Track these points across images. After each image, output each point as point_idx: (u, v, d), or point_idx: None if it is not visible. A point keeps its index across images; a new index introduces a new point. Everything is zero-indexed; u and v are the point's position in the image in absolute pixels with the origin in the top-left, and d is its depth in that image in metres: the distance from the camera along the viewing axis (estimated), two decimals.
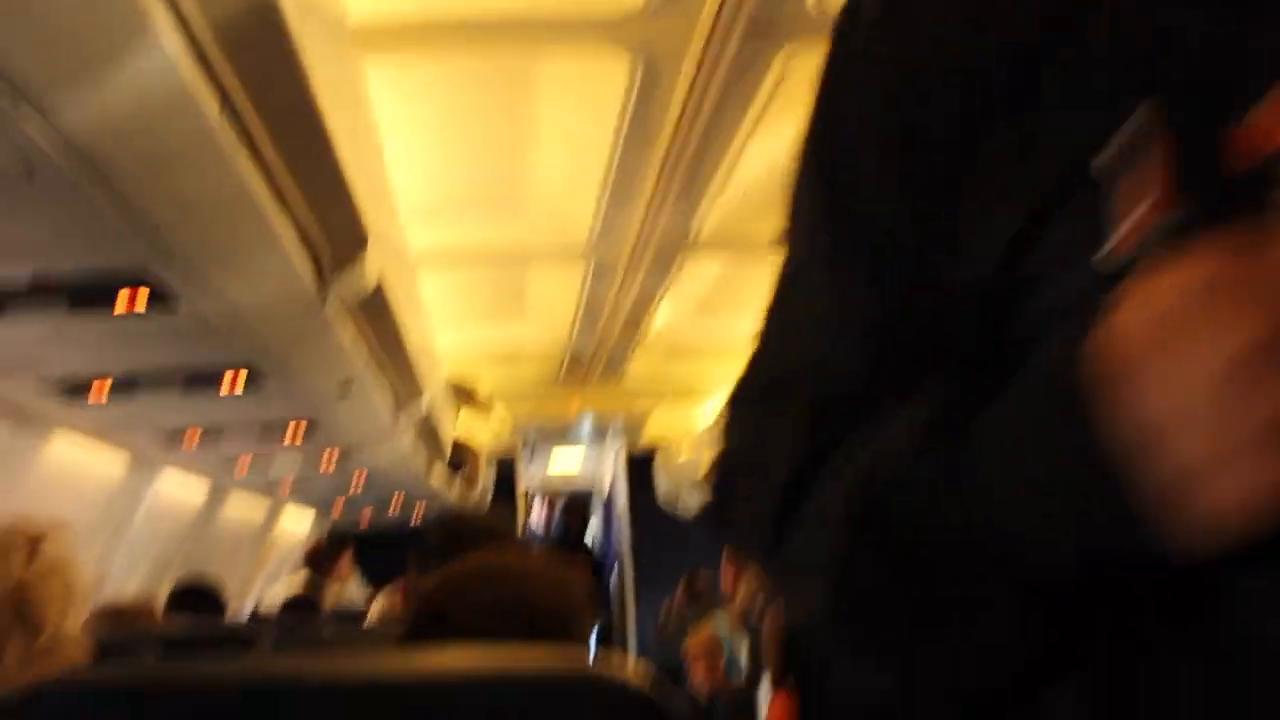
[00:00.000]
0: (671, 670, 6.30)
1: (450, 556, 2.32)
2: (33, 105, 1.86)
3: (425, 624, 1.78)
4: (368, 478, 6.88)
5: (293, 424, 4.99)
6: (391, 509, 8.75)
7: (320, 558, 7.03)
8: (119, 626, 4.31)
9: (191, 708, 1.02)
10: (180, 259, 2.65)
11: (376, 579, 7.03)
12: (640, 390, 9.34)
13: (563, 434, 11.58)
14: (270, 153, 2.55)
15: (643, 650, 10.32)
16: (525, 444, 11.86)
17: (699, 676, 5.78)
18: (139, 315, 3.00)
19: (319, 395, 4.45)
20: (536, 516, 13.31)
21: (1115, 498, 0.57)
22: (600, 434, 11.55)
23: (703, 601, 7.58)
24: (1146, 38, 0.65)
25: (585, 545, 9.71)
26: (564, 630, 1.76)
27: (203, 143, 2.22)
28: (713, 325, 7.41)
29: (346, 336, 3.88)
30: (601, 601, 9.22)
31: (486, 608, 1.76)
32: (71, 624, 1.44)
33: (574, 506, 9.83)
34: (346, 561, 7.19)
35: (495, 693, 1.02)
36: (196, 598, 5.40)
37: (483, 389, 7.92)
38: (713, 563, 7.63)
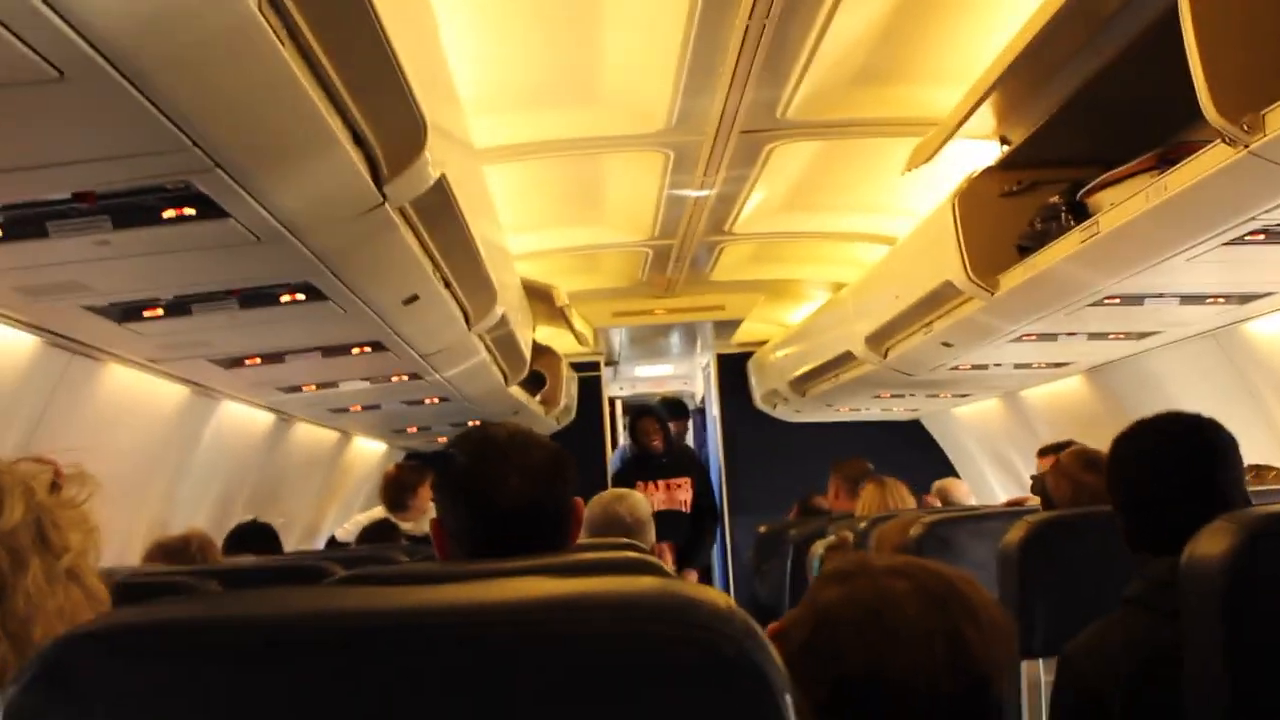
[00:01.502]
0: (770, 605, 6.31)
1: (478, 477, 2.33)
2: (56, 2, 1.85)
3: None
4: (441, 401, 6.92)
5: (357, 347, 5.01)
6: None
7: (397, 488, 7.10)
8: (179, 562, 4.41)
9: (252, 642, 1.02)
10: (225, 165, 2.64)
11: None
12: (730, 290, 9.29)
13: (649, 341, 11.58)
14: (316, 44, 2.52)
15: (738, 574, 10.39)
16: (610, 356, 11.87)
17: None
18: (186, 230, 3.01)
19: (384, 311, 4.46)
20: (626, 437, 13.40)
21: None
22: (689, 340, 11.54)
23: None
24: None
25: (693, 460, 9.67)
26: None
27: (242, 36, 2.20)
28: (805, 217, 7.34)
29: (410, 243, 3.88)
30: (707, 525, 9.23)
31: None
32: (92, 559, 1.49)
33: (668, 410, 9.81)
34: (427, 489, 7.25)
35: (559, 643, 1.01)
36: (255, 539, 5.49)
37: (561, 295, 7.90)
38: (818, 474, 7.63)
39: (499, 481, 2.30)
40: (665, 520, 8.48)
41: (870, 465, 6.84)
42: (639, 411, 9.39)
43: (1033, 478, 5.94)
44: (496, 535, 2.29)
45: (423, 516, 7.18)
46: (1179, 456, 2.46)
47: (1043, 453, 6.15)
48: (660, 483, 8.93)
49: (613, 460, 10.64)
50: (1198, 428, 2.51)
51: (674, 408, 10.30)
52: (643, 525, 4.45)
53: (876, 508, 5.62)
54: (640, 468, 9.01)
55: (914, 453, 9.94)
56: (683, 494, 8.93)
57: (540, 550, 2.28)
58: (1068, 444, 5.76)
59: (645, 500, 4.62)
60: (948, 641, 1.57)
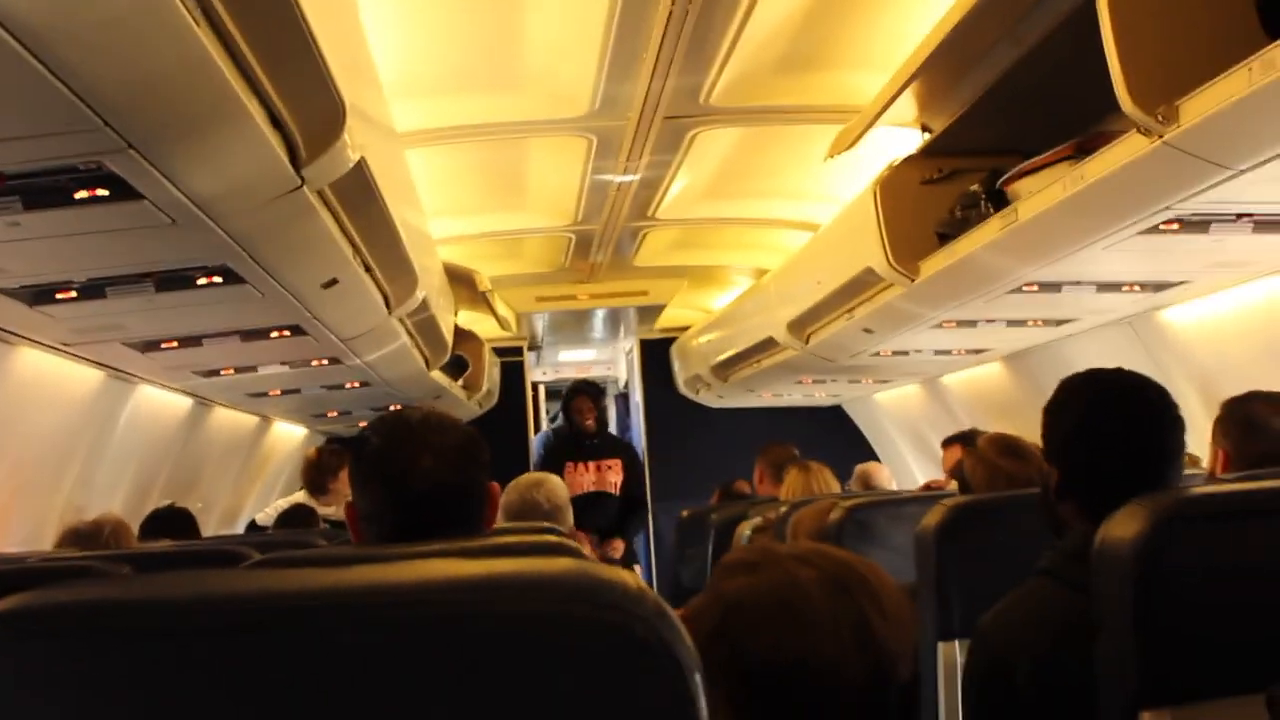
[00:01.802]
0: (693, 585, 6.32)
1: (390, 459, 2.33)
2: None
3: None
4: (362, 385, 6.88)
5: (276, 331, 4.98)
6: None
7: (316, 471, 7.05)
8: (91, 548, 4.36)
9: (161, 626, 1.01)
10: (138, 146, 2.61)
11: None
12: (653, 275, 9.31)
13: (572, 327, 11.57)
14: (231, 22, 2.49)
15: (660, 558, 10.43)
16: (533, 341, 11.86)
17: None
18: (99, 211, 2.97)
19: (303, 295, 4.42)
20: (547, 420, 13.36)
21: None
22: (612, 325, 11.54)
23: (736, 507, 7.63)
24: None
25: (623, 443, 9.59)
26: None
27: (154, 13, 2.17)
28: (728, 203, 7.37)
29: (329, 226, 3.85)
30: (638, 510, 9.13)
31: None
32: None
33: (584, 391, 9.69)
34: (346, 474, 7.21)
35: (474, 619, 1.01)
36: (171, 525, 5.43)
37: (483, 280, 7.89)
38: (739, 460, 7.67)
39: (411, 462, 2.29)
40: (594, 502, 8.46)
41: (796, 451, 6.88)
42: (573, 389, 9.11)
43: (956, 462, 5.97)
44: (409, 518, 2.28)
45: (344, 501, 7.14)
46: (1126, 420, 2.42)
47: (947, 443, 6.18)
48: (590, 464, 8.75)
49: (535, 447, 10.62)
50: (1157, 396, 2.45)
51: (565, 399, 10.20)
52: (560, 511, 4.44)
53: (800, 492, 5.64)
54: (571, 447, 8.81)
55: (836, 438, 10.01)
56: (613, 475, 8.75)
57: (455, 534, 2.28)
58: (970, 433, 5.82)
59: (563, 486, 4.61)
60: (854, 628, 1.58)
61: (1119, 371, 2.53)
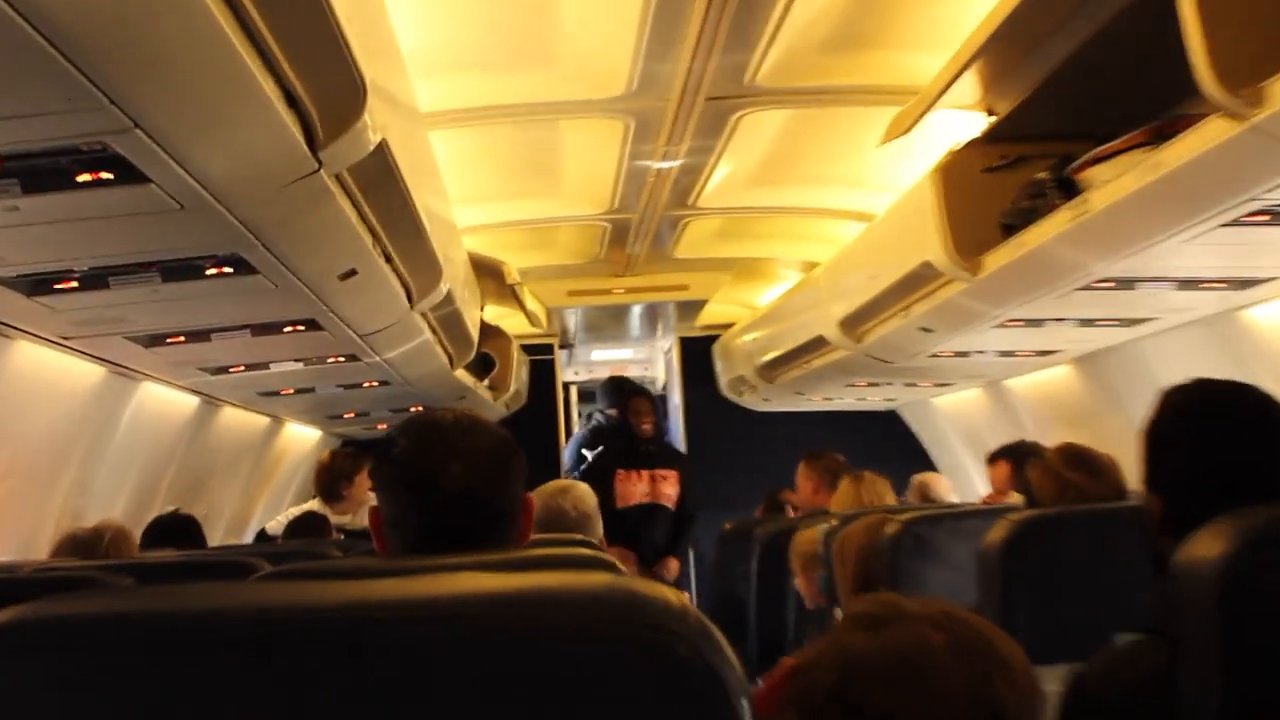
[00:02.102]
0: (737, 604, 6.31)
1: (416, 463, 2.33)
2: None
3: None
4: (380, 385, 6.90)
5: (289, 325, 4.99)
6: None
7: (330, 476, 7.06)
8: (90, 557, 4.38)
9: (167, 642, 1.01)
10: (145, 126, 2.62)
11: None
12: (694, 268, 9.30)
13: (607, 323, 11.57)
14: None
15: (701, 573, 10.41)
16: (565, 338, 11.86)
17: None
18: (103, 196, 2.99)
19: (318, 287, 4.44)
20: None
21: None
22: (650, 322, 11.54)
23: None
24: None
25: (679, 453, 9.50)
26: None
27: None
28: (775, 191, 7.35)
29: (347, 213, 3.86)
30: (689, 527, 9.01)
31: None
32: None
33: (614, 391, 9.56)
34: (364, 479, 7.22)
35: (508, 641, 1.01)
36: (175, 533, 5.45)
37: (512, 272, 7.89)
38: (786, 468, 7.65)
39: (439, 467, 2.29)
40: (647, 515, 8.42)
41: (842, 458, 6.86)
42: (633, 389, 9.08)
43: (1008, 477, 5.91)
44: (436, 526, 2.28)
45: (361, 509, 7.15)
46: (1250, 445, 2.24)
47: (993, 458, 6.12)
48: (645, 473, 8.62)
49: (568, 451, 10.60)
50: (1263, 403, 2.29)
51: (617, 389, 10.06)
52: (588, 520, 4.42)
53: (852, 504, 5.62)
54: (624, 454, 8.65)
55: (891, 445, 9.98)
56: (668, 487, 8.63)
57: (485, 546, 2.28)
58: (1020, 447, 5.78)
59: (591, 493, 4.57)
60: (982, 702, 1.58)
61: (1231, 386, 2.35)
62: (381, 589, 1.06)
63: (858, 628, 1.66)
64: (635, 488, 8.53)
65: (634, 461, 8.61)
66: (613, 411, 9.19)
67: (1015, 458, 5.62)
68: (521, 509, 2.40)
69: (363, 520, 7.17)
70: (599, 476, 8.20)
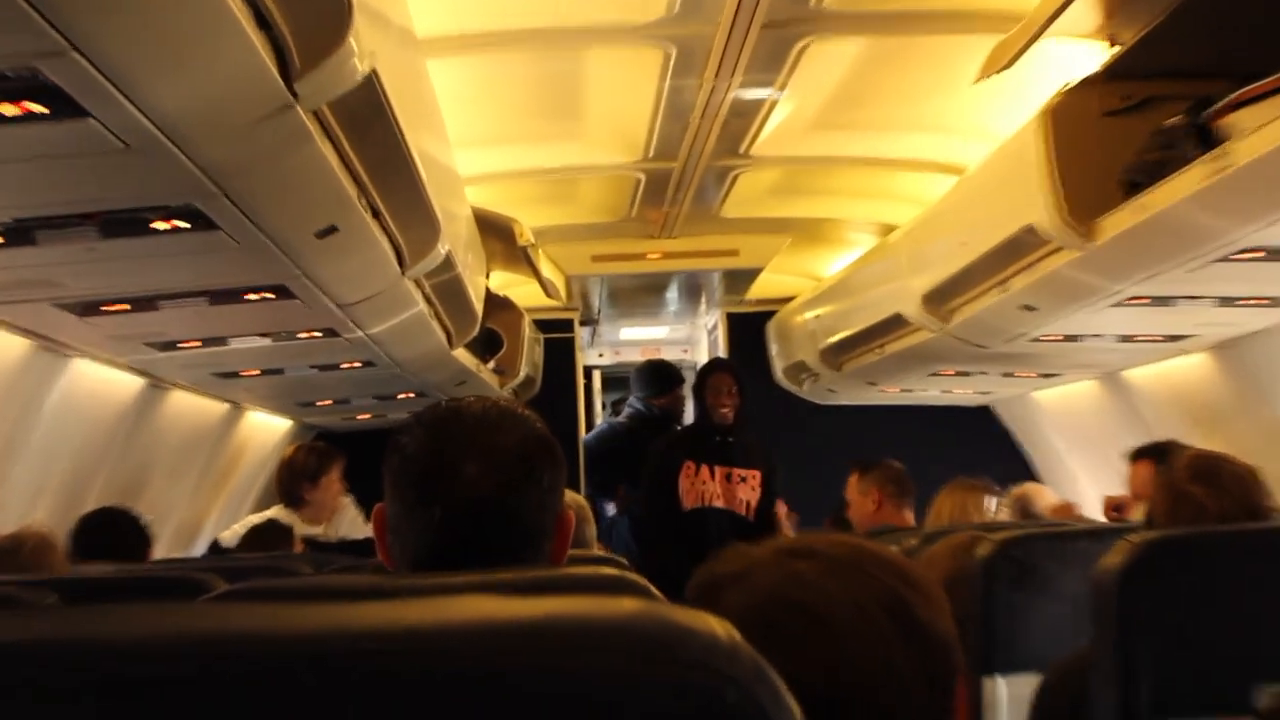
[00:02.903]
0: None
1: (427, 460, 2.32)
2: None
3: None
4: (364, 366, 6.92)
5: (255, 292, 5.00)
6: (397, 409, 8.82)
7: (292, 475, 7.09)
8: (7, 569, 4.39)
9: (99, 678, 1.01)
10: (84, 49, 2.62)
11: (375, 501, 7.07)
12: (746, 230, 9.29)
13: (639, 295, 11.58)
14: None
15: None
16: (588, 313, 11.87)
17: None
18: (32, 132, 2.98)
19: (290, 246, 4.44)
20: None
21: None
22: (691, 294, 11.54)
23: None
24: None
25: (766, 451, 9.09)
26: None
27: None
28: (845, 137, 7.34)
29: (327, 157, 3.86)
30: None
31: None
32: None
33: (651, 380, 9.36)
34: (335, 481, 7.24)
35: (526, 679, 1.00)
36: (110, 537, 5.46)
37: (525, 231, 7.89)
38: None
39: (452, 466, 2.28)
40: (716, 524, 7.94)
41: (899, 465, 6.85)
42: (710, 365, 8.61)
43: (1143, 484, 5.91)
44: (445, 539, 2.27)
45: (337, 516, 7.18)
46: None
47: (1136, 457, 6.11)
48: (720, 469, 8.13)
49: (590, 439, 10.59)
50: None
51: (663, 376, 9.85)
52: (583, 523, 4.42)
53: (950, 520, 5.61)
54: (695, 443, 8.23)
55: (982, 450, 9.96)
56: (746, 492, 8.15)
57: (504, 567, 2.27)
58: (1167, 446, 5.76)
59: (578, 496, 4.55)
60: (890, 617, 1.60)
61: None
62: (357, 615, 1.05)
63: (714, 592, 1.70)
64: (705, 487, 8.10)
65: (705, 454, 8.13)
66: (662, 400, 9.12)
67: (1162, 457, 5.58)
68: (556, 525, 2.39)
69: (338, 530, 7.20)
70: (659, 474, 8.07)
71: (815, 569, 1.64)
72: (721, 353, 11.53)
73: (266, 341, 5.98)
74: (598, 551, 5.24)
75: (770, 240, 9.50)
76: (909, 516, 6.53)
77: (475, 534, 2.29)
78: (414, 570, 2.29)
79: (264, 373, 6.87)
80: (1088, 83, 5.25)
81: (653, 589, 2.32)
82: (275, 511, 7.04)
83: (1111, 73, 5.21)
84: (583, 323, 11.76)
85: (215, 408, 7.84)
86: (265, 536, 6.35)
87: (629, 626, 1.03)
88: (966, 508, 5.73)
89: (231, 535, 6.85)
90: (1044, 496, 6.83)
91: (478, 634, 1.03)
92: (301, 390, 7.78)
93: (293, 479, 7.08)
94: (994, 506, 5.92)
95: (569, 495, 4.47)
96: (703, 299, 11.72)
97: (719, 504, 8.04)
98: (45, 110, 2.89)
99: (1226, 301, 5.69)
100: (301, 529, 6.74)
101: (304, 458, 7.18)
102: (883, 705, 1.56)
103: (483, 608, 1.06)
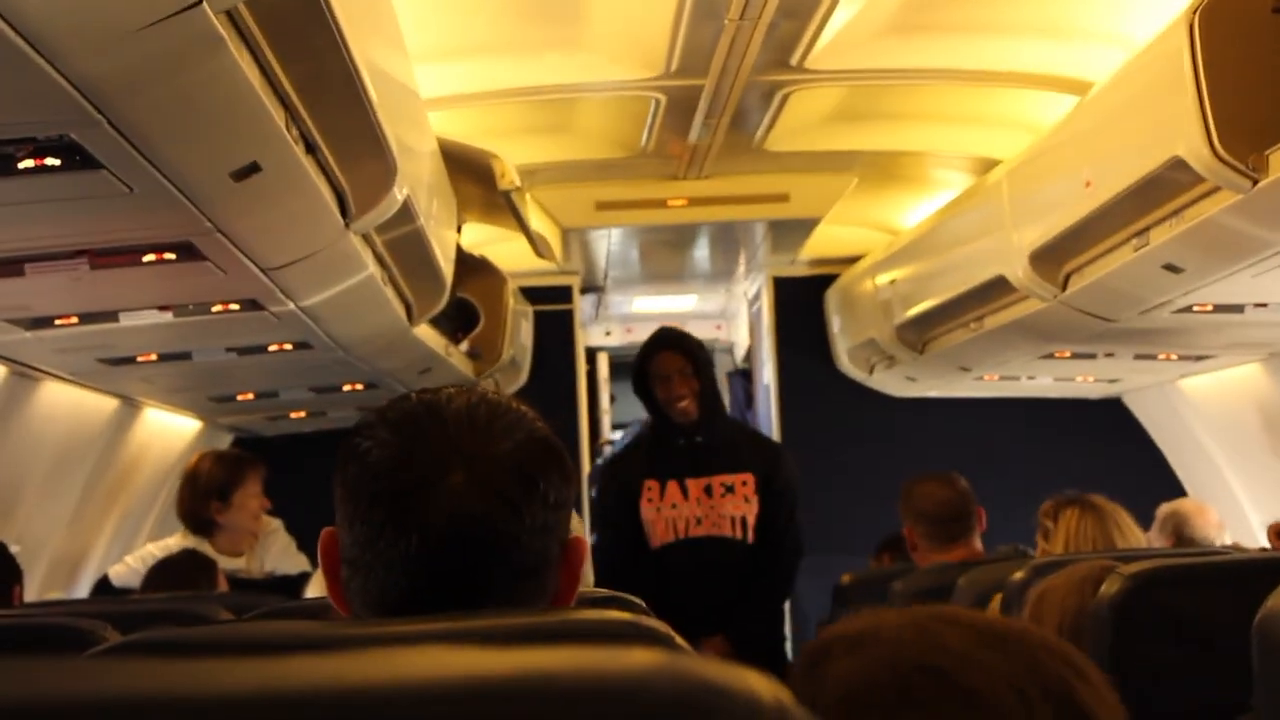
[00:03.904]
0: None
1: (395, 471, 2.30)
2: None
3: None
4: (297, 348, 6.92)
5: (153, 251, 5.00)
6: (341, 406, 8.84)
7: (195, 491, 7.10)
8: None
9: None
10: None
11: (314, 525, 7.06)
12: (798, 168, 9.29)
13: (658, 254, 11.60)
14: None
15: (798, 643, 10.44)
16: (591, 278, 11.90)
17: None
18: None
19: (199, 189, 4.44)
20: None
21: None
22: (726, 252, 11.55)
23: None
24: None
25: (757, 441, 8.76)
26: None
27: None
28: (927, 45, 7.34)
29: (246, 71, 3.86)
30: (785, 563, 8.34)
31: None
32: None
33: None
34: (252, 498, 7.25)
35: None
36: None
37: (508, 170, 7.88)
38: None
39: (431, 477, 2.25)
40: (703, 560, 7.74)
41: (965, 483, 6.84)
42: (651, 342, 8.13)
43: None
44: (421, 574, 2.24)
45: (261, 544, 7.20)
46: None
47: None
48: (694, 483, 7.86)
49: (597, 474, 10.60)
50: None
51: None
52: None
53: (1087, 545, 5.61)
54: (652, 454, 8.03)
55: (1114, 455, 9.98)
56: (737, 505, 7.85)
57: (501, 606, 2.26)
58: None
59: (575, 519, 4.57)
60: (1051, 701, 1.65)
61: None
62: (292, 673, 1.05)
63: (826, 658, 1.76)
64: (674, 513, 7.85)
65: (668, 467, 7.92)
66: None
67: None
68: (563, 554, 2.37)
69: (264, 562, 7.22)
70: (612, 506, 7.99)
71: (964, 638, 1.68)
72: (766, 330, 11.53)
73: (168, 317, 5.99)
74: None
75: (830, 181, 9.50)
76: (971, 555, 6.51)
77: (461, 567, 2.26)
78: (379, 616, 2.28)
79: (165, 358, 6.87)
80: None
81: (677, 637, 2.31)
82: (180, 539, 7.04)
83: None
84: (584, 291, 11.79)
85: (102, 405, 7.85)
86: (181, 573, 6.32)
87: (649, 685, 1.03)
88: (1097, 531, 5.72)
89: (126, 570, 6.87)
90: (1205, 518, 6.80)
91: (452, 697, 1.03)
92: (215, 381, 7.80)
93: (197, 497, 7.10)
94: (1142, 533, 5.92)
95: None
96: (741, 259, 11.73)
97: (700, 532, 7.85)
98: None
99: None
100: (225, 564, 6.75)
101: (210, 468, 7.19)
102: None
103: (460, 662, 1.06)
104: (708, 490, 7.85)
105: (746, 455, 8.02)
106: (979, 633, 1.68)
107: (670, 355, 7.94)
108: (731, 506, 7.85)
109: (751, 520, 7.84)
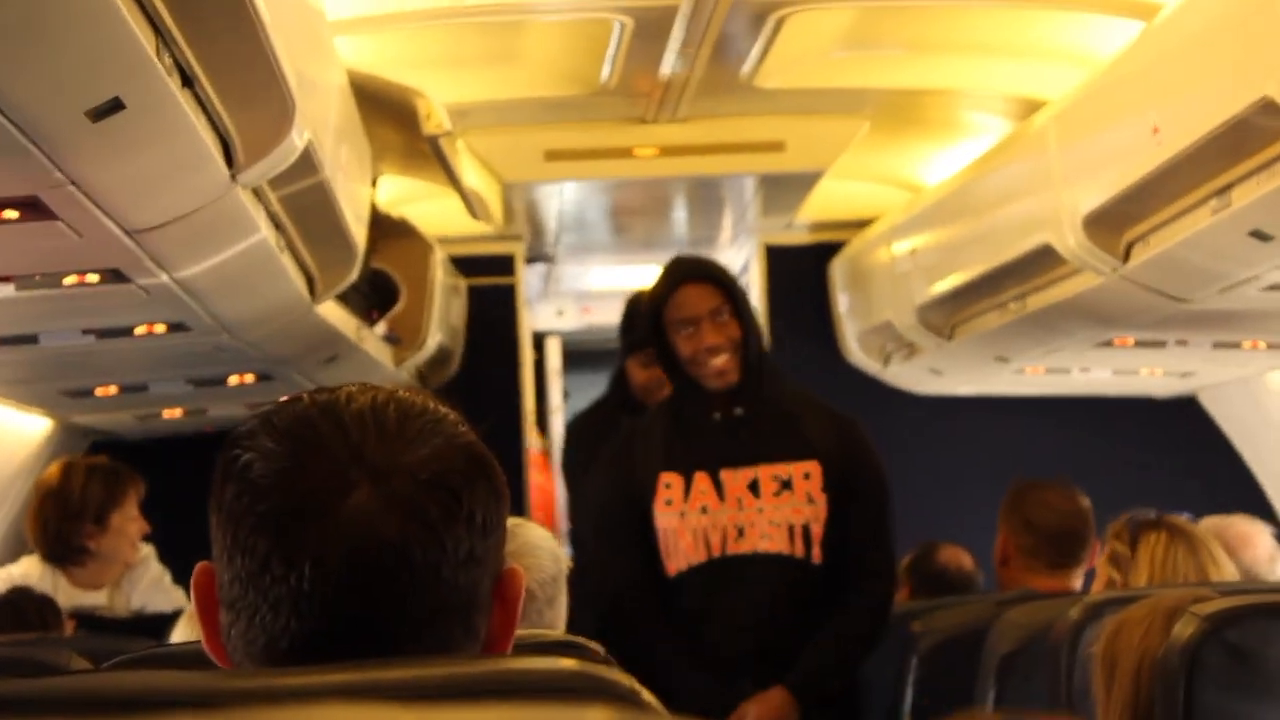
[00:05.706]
0: None
1: (287, 488, 2.29)
2: None
3: None
4: (172, 330, 6.92)
5: None
6: (226, 402, 8.86)
7: (63, 515, 7.10)
8: None
9: None
10: None
11: (191, 552, 7.05)
12: (796, 109, 9.31)
13: (624, 216, 11.63)
14: None
15: None
16: (539, 245, 11.92)
17: None
18: None
19: (48, 133, 4.44)
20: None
21: None
22: (708, 213, 11.59)
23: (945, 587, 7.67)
24: None
25: (831, 415, 7.76)
26: None
27: None
28: None
29: None
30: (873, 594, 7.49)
31: None
32: None
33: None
34: (131, 521, 7.25)
35: None
36: None
37: (435, 112, 7.87)
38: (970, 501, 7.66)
39: (327, 499, 2.25)
40: (746, 583, 7.01)
41: (1085, 499, 6.86)
42: (671, 275, 7.28)
43: None
44: (316, 616, 2.23)
45: (128, 577, 7.20)
46: None
47: None
48: (729, 475, 7.05)
49: (559, 464, 10.62)
50: None
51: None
52: (549, 595, 4.47)
53: (1178, 579, 5.63)
54: (674, 433, 7.22)
55: (1183, 466, 10.02)
56: (793, 507, 7.02)
57: (416, 654, 2.25)
58: None
59: (550, 538, 4.57)
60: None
61: None
62: None
63: None
64: (701, 519, 7.02)
65: (697, 452, 7.15)
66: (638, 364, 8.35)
67: None
68: (495, 589, 2.36)
69: (131, 599, 7.23)
70: (613, 511, 7.28)
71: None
72: (760, 307, 11.50)
73: (8, 290, 5.98)
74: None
75: (836, 125, 9.51)
76: (1069, 585, 6.53)
77: (365, 605, 2.25)
78: (265, 666, 2.27)
79: (4, 341, 6.86)
80: None
81: (644, 692, 2.30)
82: (27, 567, 7.04)
83: None
84: (530, 261, 11.81)
85: None
86: (17, 610, 6.31)
87: None
88: (1189, 563, 5.71)
89: None
90: (1259, 542, 6.81)
91: None
92: (68, 371, 7.79)
93: (68, 519, 7.09)
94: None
95: (538, 535, 4.53)
96: (725, 223, 11.77)
97: (743, 547, 7.04)
98: None
99: None
100: (71, 597, 6.75)
101: (85, 484, 7.18)
102: None
103: None
104: (753, 487, 7.08)
105: (811, 434, 7.22)
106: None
107: (698, 289, 7.12)
108: (790, 510, 7.07)
109: (818, 530, 7.05)
